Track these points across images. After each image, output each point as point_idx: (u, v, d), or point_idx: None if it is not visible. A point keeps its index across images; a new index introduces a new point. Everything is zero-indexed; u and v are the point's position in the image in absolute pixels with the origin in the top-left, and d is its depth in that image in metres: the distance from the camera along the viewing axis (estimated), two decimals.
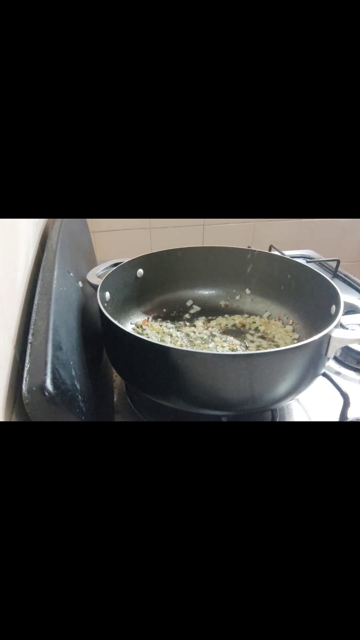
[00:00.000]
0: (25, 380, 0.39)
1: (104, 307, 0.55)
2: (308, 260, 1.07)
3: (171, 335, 0.70)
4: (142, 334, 0.69)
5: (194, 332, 0.71)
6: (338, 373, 0.69)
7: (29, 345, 0.44)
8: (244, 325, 0.74)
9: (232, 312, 0.77)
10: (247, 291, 0.78)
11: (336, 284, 0.59)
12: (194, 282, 0.78)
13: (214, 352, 0.64)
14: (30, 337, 0.45)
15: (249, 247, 0.78)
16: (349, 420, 0.55)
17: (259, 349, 0.67)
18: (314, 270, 0.66)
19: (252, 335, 0.71)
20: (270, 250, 0.99)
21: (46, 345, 0.42)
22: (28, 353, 0.42)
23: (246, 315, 0.76)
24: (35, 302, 0.51)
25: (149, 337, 0.66)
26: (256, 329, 0.72)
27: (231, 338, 0.70)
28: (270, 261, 0.74)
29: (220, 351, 0.66)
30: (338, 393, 0.57)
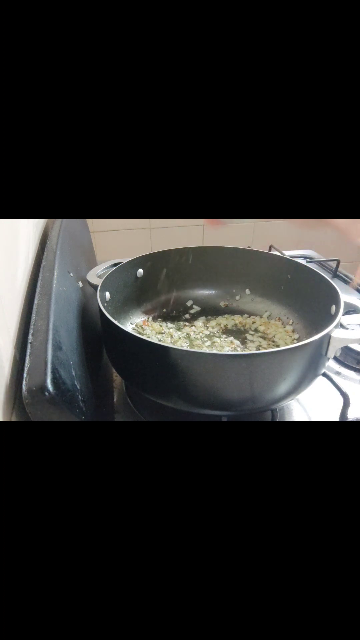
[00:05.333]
0: (25, 380, 0.39)
1: (104, 307, 0.55)
2: (308, 260, 1.07)
3: (171, 336, 0.70)
4: (142, 334, 0.69)
5: (194, 332, 0.71)
6: (338, 373, 0.69)
7: (29, 345, 0.44)
8: (244, 325, 0.74)
9: (232, 312, 0.77)
10: (247, 291, 0.78)
11: (336, 284, 0.59)
12: (194, 282, 0.78)
13: (214, 352, 0.64)
14: (30, 337, 0.45)
15: (249, 247, 0.78)
16: (349, 420, 0.55)
17: (259, 349, 0.67)
18: (314, 270, 0.66)
19: (252, 335, 0.71)
20: (270, 250, 0.99)
21: (46, 345, 0.42)
22: (28, 353, 0.42)
23: (246, 315, 0.76)
24: (35, 302, 0.51)
25: (149, 337, 0.66)
26: (256, 329, 0.72)
27: (231, 338, 0.70)
28: (270, 261, 0.74)
29: (220, 351, 0.66)
30: (338, 393, 0.57)
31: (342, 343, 0.51)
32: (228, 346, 0.68)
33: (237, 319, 0.75)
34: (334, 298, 0.58)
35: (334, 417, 0.58)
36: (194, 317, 0.76)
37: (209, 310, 0.77)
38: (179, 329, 0.72)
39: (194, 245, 0.76)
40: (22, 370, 0.40)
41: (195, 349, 0.66)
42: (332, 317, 0.56)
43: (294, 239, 1.48)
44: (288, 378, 0.49)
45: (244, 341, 0.69)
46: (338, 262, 0.98)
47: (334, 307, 0.57)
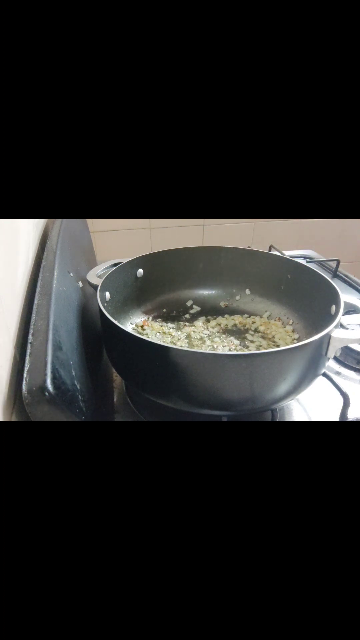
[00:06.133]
0: (25, 380, 0.39)
1: (104, 307, 0.55)
2: (308, 260, 1.07)
3: (171, 335, 0.70)
4: (142, 334, 0.69)
5: (194, 332, 0.71)
6: (338, 373, 0.69)
7: (29, 345, 0.44)
8: (244, 325, 0.74)
9: (232, 312, 0.77)
10: (247, 291, 0.78)
11: (336, 284, 0.59)
12: (194, 282, 0.78)
13: (214, 352, 0.64)
14: (30, 337, 0.45)
15: (249, 247, 0.78)
16: (349, 420, 0.55)
17: (259, 349, 0.67)
18: (314, 270, 0.66)
19: (252, 335, 0.71)
20: (270, 250, 0.99)
21: (46, 345, 0.42)
22: (28, 353, 0.42)
23: (246, 315, 0.76)
24: (35, 302, 0.51)
25: (149, 337, 0.66)
26: (256, 329, 0.72)
27: (231, 338, 0.70)
28: (270, 261, 0.74)
29: (220, 351, 0.66)
30: (338, 393, 0.57)
31: (342, 343, 0.51)
32: (228, 346, 0.68)
33: (237, 319, 0.75)
34: (334, 298, 0.58)
35: (334, 417, 0.58)
36: (194, 317, 0.76)
37: (209, 310, 0.77)
38: (179, 329, 0.72)
39: (194, 245, 0.76)
40: (22, 370, 0.40)
41: (195, 349, 0.66)
42: (332, 317, 0.56)
43: (294, 239, 1.48)
44: (288, 378, 0.49)
45: (244, 341, 0.69)
46: (338, 262, 0.98)
47: (334, 307, 0.57)
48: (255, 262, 0.75)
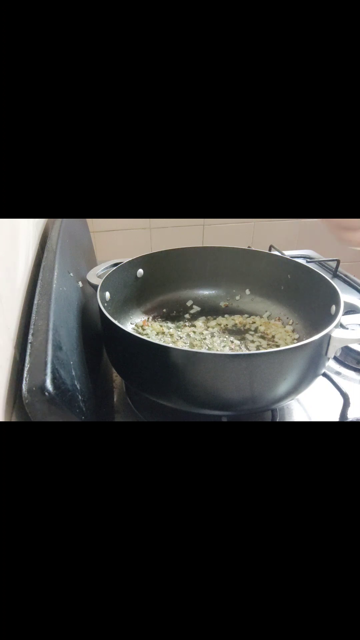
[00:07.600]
0: (25, 380, 0.39)
1: (104, 307, 0.55)
2: (308, 260, 1.07)
3: (171, 335, 0.70)
4: (142, 334, 0.69)
5: (194, 332, 0.71)
6: (338, 373, 0.69)
7: (29, 345, 0.44)
8: (244, 325, 0.74)
9: (232, 312, 0.77)
10: (247, 291, 0.78)
11: (336, 284, 0.59)
12: (194, 282, 0.78)
13: (214, 352, 0.64)
14: (30, 337, 0.45)
15: (249, 247, 0.78)
16: (349, 420, 0.55)
17: (259, 349, 0.67)
18: (314, 270, 0.66)
19: (252, 335, 0.71)
20: (270, 250, 0.99)
21: (46, 345, 0.42)
22: (28, 353, 0.42)
23: (246, 315, 0.76)
24: (35, 302, 0.51)
25: (149, 337, 0.66)
26: (256, 329, 0.73)
27: (231, 338, 0.70)
28: (270, 261, 0.74)
29: (220, 351, 0.66)
30: (338, 393, 0.57)
31: (342, 343, 0.51)
32: (228, 346, 0.68)
33: (237, 319, 0.75)
34: (334, 298, 0.58)
35: (334, 417, 0.58)
36: (194, 317, 0.76)
37: (209, 310, 0.77)
38: (179, 329, 0.72)
39: (194, 245, 0.76)
40: (22, 370, 0.40)
41: (195, 349, 0.66)
42: (332, 317, 0.56)
43: (294, 239, 1.48)
44: (288, 378, 0.49)
45: (244, 341, 0.69)
46: (338, 262, 0.98)
47: (334, 307, 0.57)
48: (255, 262, 0.75)
